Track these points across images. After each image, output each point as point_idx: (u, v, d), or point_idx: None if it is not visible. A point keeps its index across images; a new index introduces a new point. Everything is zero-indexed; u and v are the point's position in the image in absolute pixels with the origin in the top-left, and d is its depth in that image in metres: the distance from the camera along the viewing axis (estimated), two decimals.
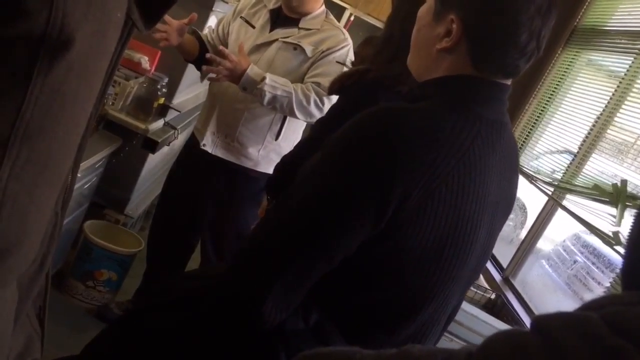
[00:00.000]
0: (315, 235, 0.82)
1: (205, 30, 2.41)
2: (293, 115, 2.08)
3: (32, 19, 0.38)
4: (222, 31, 2.29)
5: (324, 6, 2.21)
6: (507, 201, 0.97)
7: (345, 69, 2.10)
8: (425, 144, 0.81)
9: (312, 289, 0.85)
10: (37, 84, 0.41)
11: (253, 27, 2.18)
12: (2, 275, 0.47)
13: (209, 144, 2.20)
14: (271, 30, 2.15)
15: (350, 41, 2.17)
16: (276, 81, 2.02)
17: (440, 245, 0.84)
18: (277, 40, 2.12)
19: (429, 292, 0.88)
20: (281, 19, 2.16)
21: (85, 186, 2.26)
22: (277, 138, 2.21)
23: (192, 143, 2.31)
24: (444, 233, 0.84)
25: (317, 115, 2.07)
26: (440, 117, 0.84)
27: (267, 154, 2.22)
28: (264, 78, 1.99)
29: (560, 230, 3.30)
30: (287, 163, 1.66)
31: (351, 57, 2.16)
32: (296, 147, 1.69)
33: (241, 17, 2.22)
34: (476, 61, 0.89)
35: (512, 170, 0.96)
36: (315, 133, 1.61)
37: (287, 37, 2.11)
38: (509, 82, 0.92)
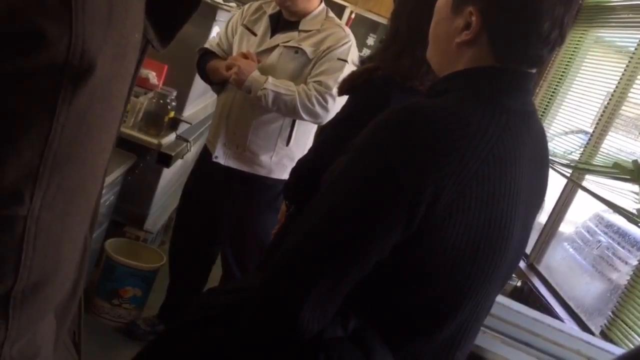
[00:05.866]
0: (347, 242, 0.81)
1: (210, 40, 2.42)
2: (298, 115, 2.08)
3: (53, 48, 0.38)
4: (231, 38, 2.28)
5: (323, 5, 2.19)
6: (539, 193, 0.95)
7: (347, 65, 2.10)
8: (453, 140, 0.79)
9: (349, 295, 0.84)
10: (62, 112, 0.40)
11: (255, 34, 2.19)
12: (40, 305, 0.46)
13: (221, 156, 2.21)
14: (272, 36, 2.15)
15: (352, 38, 2.16)
16: (279, 82, 2.05)
17: (475, 243, 0.82)
18: (278, 45, 2.12)
19: (466, 292, 0.86)
20: (281, 23, 2.16)
21: (104, 205, 2.27)
22: (287, 143, 2.21)
23: (205, 155, 2.31)
24: (478, 230, 0.82)
25: (322, 114, 2.07)
26: (467, 111, 0.82)
27: (279, 160, 2.21)
28: (266, 79, 2.03)
29: (581, 212, 3.26)
30: (305, 167, 1.65)
31: (354, 54, 2.15)
32: (312, 149, 1.68)
33: (243, 24, 2.22)
34: (498, 53, 0.86)
35: (542, 160, 0.94)
36: (330, 134, 1.59)
37: (288, 41, 2.12)
38: (533, 70, 0.90)
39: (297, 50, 2.10)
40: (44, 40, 0.38)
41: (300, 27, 2.12)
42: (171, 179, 2.94)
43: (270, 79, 2.03)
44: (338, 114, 1.63)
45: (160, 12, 0.54)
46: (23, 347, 0.47)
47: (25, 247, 0.42)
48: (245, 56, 2.09)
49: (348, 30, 2.18)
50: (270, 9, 2.19)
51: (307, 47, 2.10)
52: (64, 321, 0.59)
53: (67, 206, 0.45)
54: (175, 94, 2.45)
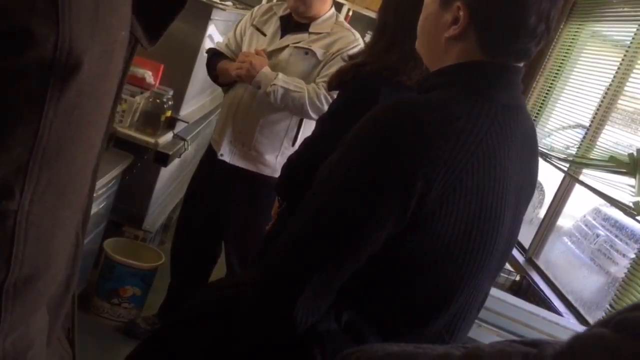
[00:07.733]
0: (340, 238, 0.82)
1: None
2: (306, 114, 2.10)
3: (41, 46, 0.39)
4: (240, 39, 2.30)
5: (333, 9, 2.22)
6: (529, 184, 0.96)
7: None
8: (442, 134, 0.80)
9: (342, 289, 0.85)
10: (50, 109, 0.41)
11: (264, 34, 2.21)
12: (33, 298, 0.47)
13: (227, 154, 2.22)
14: (282, 37, 2.17)
15: (361, 42, 2.19)
16: (289, 79, 2.07)
17: (467, 234, 0.84)
18: (288, 46, 2.14)
19: (459, 283, 0.87)
20: (292, 25, 2.18)
21: (102, 205, 2.28)
22: (293, 144, 2.22)
23: (211, 153, 2.32)
24: (469, 222, 0.83)
25: None
26: (456, 105, 0.84)
27: (284, 161, 2.22)
28: (277, 75, 2.06)
29: (579, 206, 3.27)
30: (295, 163, 1.66)
31: None
32: (302, 146, 1.69)
33: (252, 25, 2.24)
34: (486, 47, 0.88)
35: (531, 153, 0.95)
36: (320, 130, 1.60)
37: (298, 42, 2.14)
38: (521, 64, 0.91)
39: (307, 51, 2.13)
40: (31, 38, 0.38)
41: (311, 29, 2.15)
42: (169, 178, 2.95)
43: (280, 75, 2.06)
44: (327, 110, 1.65)
45: (148, 10, 0.55)
46: (16, 340, 0.47)
47: (17, 240, 0.43)
48: (256, 54, 2.11)
49: (358, 34, 2.21)
50: (281, 11, 2.21)
51: (317, 48, 2.12)
52: (57, 317, 0.60)
53: (57, 201, 0.46)
54: (171, 93, 2.45)
